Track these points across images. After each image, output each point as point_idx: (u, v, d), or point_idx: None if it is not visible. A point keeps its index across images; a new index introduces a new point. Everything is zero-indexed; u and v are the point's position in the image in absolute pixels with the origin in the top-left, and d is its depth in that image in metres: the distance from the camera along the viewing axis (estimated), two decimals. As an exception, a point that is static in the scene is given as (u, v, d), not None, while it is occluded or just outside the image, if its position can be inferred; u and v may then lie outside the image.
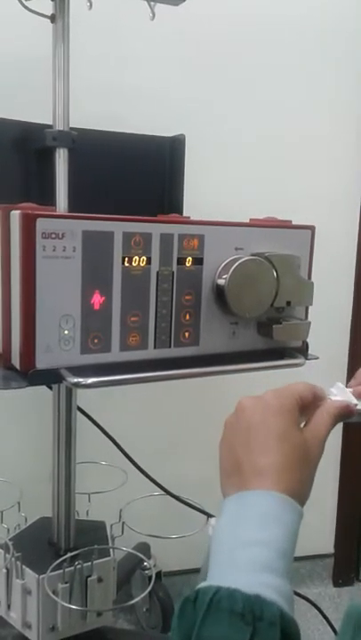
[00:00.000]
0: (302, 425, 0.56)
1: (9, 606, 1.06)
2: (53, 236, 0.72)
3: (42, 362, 0.74)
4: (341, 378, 1.63)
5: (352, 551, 1.74)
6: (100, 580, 1.04)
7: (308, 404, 0.56)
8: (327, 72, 1.45)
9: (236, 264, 0.81)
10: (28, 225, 0.70)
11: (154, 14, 1.03)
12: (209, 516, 1.19)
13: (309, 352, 0.96)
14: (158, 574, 1.32)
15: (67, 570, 1.01)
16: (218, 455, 0.57)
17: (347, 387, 0.63)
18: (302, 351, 0.93)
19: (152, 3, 1.03)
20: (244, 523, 0.48)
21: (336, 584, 1.72)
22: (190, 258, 0.81)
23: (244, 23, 1.35)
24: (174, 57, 1.31)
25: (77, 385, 0.73)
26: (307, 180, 1.46)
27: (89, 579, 1.03)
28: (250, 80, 1.39)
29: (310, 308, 0.94)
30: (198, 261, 0.82)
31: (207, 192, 1.30)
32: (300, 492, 0.50)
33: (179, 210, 1.14)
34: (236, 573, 0.44)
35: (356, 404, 0.60)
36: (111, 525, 1.18)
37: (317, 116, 1.46)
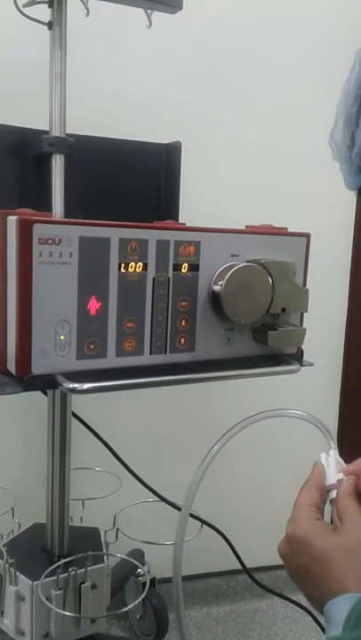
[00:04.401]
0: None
1: (2, 613, 1.05)
2: (50, 241, 0.72)
3: (38, 367, 0.74)
4: (335, 384, 1.62)
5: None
6: (93, 586, 1.04)
7: (322, 500, 0.60)
8: (326, 78, 1.46)
9: (232, 271, 0.81)
10: (25, 230, 0.71)
11: (151, 22, 1.04)
12: (203, 522, 1.19)
13: (304, 358, 0.96)
14: (152, 581, 1.31)
15: (60, 576, 1.00)
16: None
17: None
18: (297, 357, 0.93)
19: (149, 11, 1.03)
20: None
21: (330, 591, 1.72)
22: (186, 264, 0.82)
23: (241, 30, 1.36)
24: (171, 64, 1.32)
25: (73, 390, 0.73)
26: (302, 187, 1.46)
27: (83, 585, 1.02)
28: (247, 87, 1.39)
29: (305, 314, 0.94)
30: (194, 268, 0.82)
31: (203, 199, 1.31)
32: None
33: (175, 216, 1.14)
34: None
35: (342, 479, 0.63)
36: (105, 532, 1.18)
37: (314, 124, 1.46)
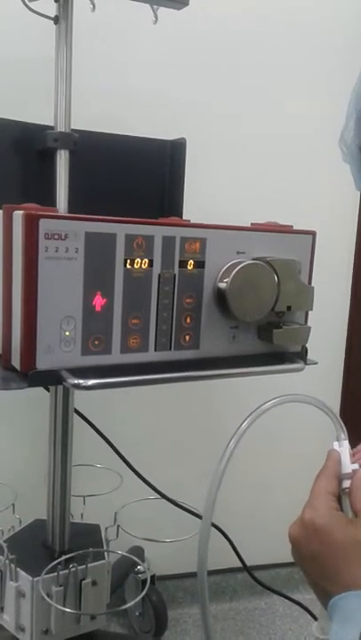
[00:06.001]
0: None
1: (2, 609, 1.05)
2: (56, 236, 0.71)
3: (42, 363, 0.73)
4: (337, 383, 1.62)
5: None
6: (94, 583, 1.04)
7: (338, 489, 0.60)
8: (328, 77, 1.46)
9: (238, 268, 0.81)
10: (31, 225, 0.70)
11: (156, 18, 1.03)
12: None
13: (308, 357, 0.96)
14: (152, 578, 1.31)
15: (61, 573, 1.00)
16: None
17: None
18: (302, 356, 0.93)
19: (155, 6, 1.03)
20: (342, 630, 0.49)
21: (329, 590, 1.72)
22: (192, 261, 0.81)
23: (245, 27, 1.36)
24: (177, 60, 1.31)
25: (77, 386, 0.73)
26: (307, 184, 1.46)
27: (83, 582, 1.02)
28: (252, 84, 1.39)
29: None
30: (200, 265, 0.82)
31: (207, 196, 1.30)
32: None
33: (179, 213, 1.14)
34: None
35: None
36: (106, 528, 1.17)
37: (319, 121, 1.46)
